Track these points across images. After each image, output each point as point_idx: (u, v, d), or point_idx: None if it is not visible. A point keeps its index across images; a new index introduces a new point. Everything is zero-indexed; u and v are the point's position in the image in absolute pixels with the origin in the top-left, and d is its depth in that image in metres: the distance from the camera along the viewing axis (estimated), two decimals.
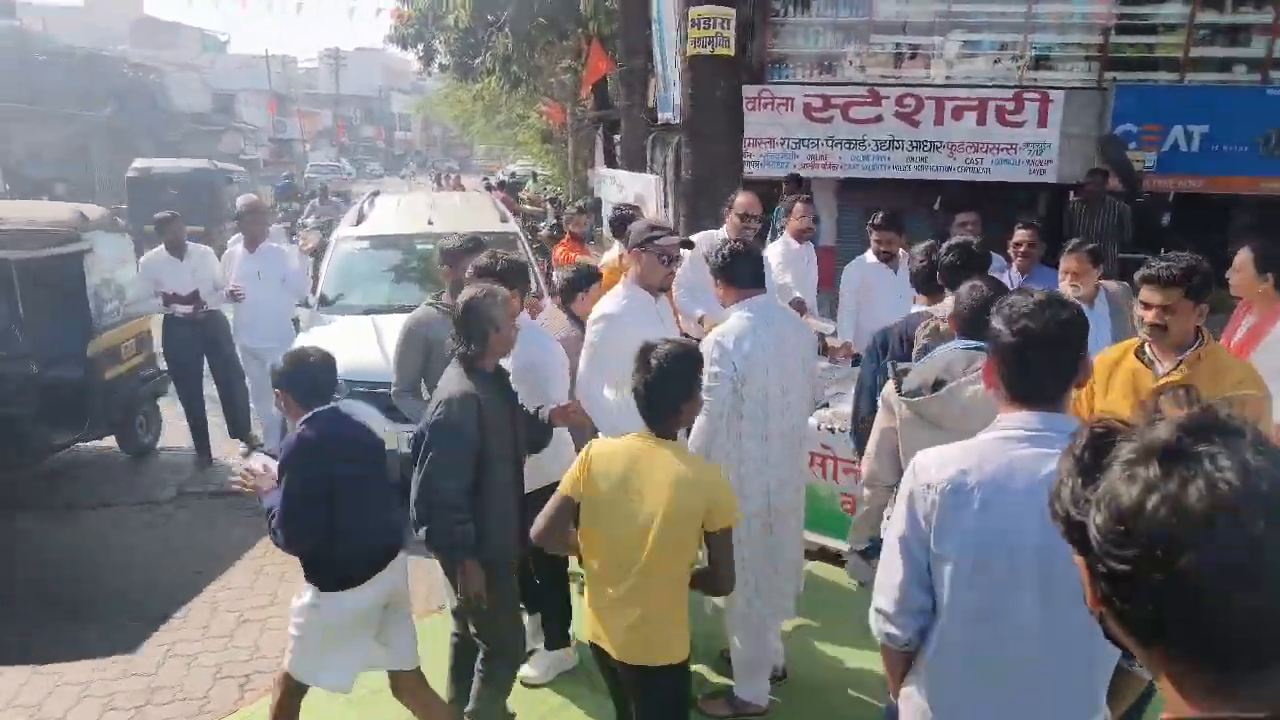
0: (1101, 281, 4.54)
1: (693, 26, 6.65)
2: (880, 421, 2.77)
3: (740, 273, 3.26)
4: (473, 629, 3.12)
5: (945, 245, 3.35)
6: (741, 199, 4.84)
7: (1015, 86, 10.01)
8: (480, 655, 3.13)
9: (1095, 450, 0.93)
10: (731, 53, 6.60)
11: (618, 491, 2.47)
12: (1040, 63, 10.36)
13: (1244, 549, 0.81)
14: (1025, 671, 1.77)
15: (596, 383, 3.52)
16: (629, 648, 2.50)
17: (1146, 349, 2.91)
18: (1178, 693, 0.89)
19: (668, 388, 2.51)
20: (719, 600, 3.39)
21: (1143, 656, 0.92)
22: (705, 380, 3.07)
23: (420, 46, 19.96)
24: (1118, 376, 2.93)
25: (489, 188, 21.98)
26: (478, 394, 2.91)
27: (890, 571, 1.87)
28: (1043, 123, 9.89)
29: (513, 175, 29.70)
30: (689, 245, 3.84)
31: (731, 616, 3.41)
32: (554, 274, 7.05)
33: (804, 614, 3.99)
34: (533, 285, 7.21)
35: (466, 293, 3.02)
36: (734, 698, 3.48)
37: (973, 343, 2.56)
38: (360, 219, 7.79)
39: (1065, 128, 9.77)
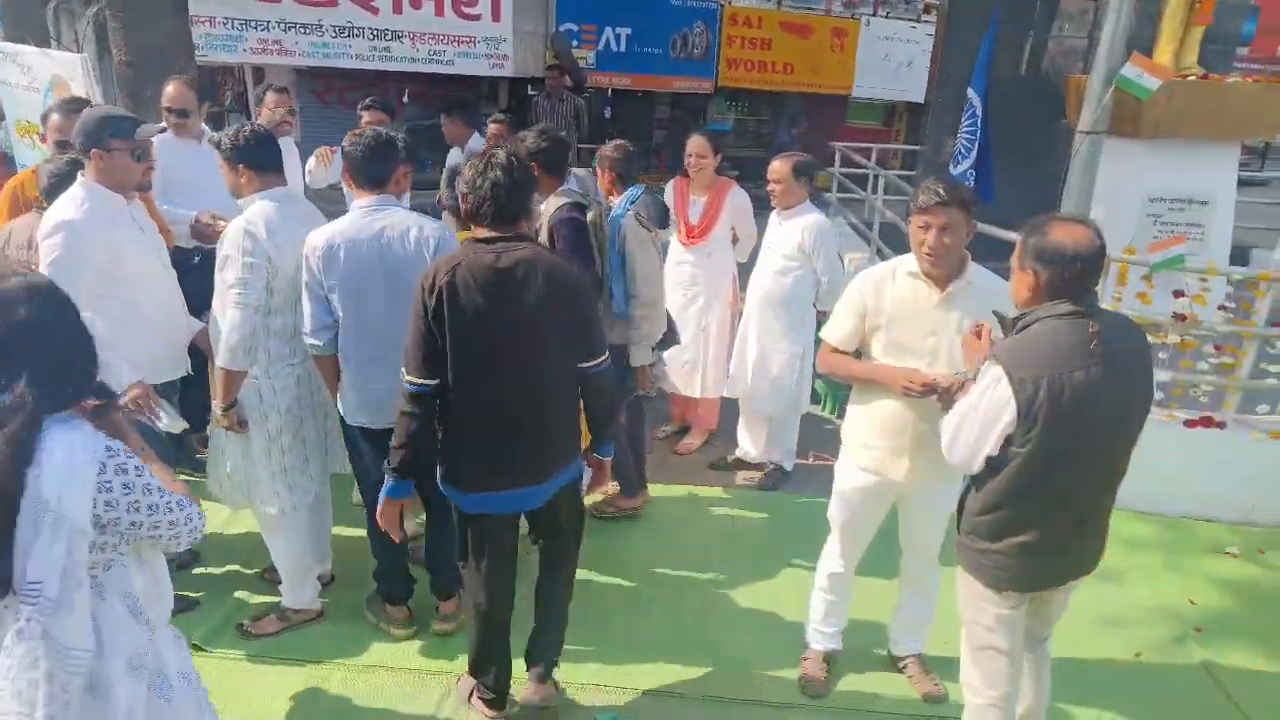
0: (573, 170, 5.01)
1: None
2: None
3: (264, 158, 3.04)
4: None
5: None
6: (169, 88, 4.31)
7: None
8: None
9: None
10: None
11: None
12: None
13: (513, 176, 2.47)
14: (381, 341, 2.89)
15: None
16: None
17: None
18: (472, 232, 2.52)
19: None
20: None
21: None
22: (238, 272, 2.87)
23: None
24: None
25: None
26: None
27: (306, 308, 2.88)
28: (496, 17, 10.29)
29: None
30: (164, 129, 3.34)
31: (267, 524, 3.21)
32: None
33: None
34: None
35: None
36: (283, 610, 3.33)
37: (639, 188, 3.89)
38: None
39: (517, 23, 10.31)
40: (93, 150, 2.94)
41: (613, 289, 3.70)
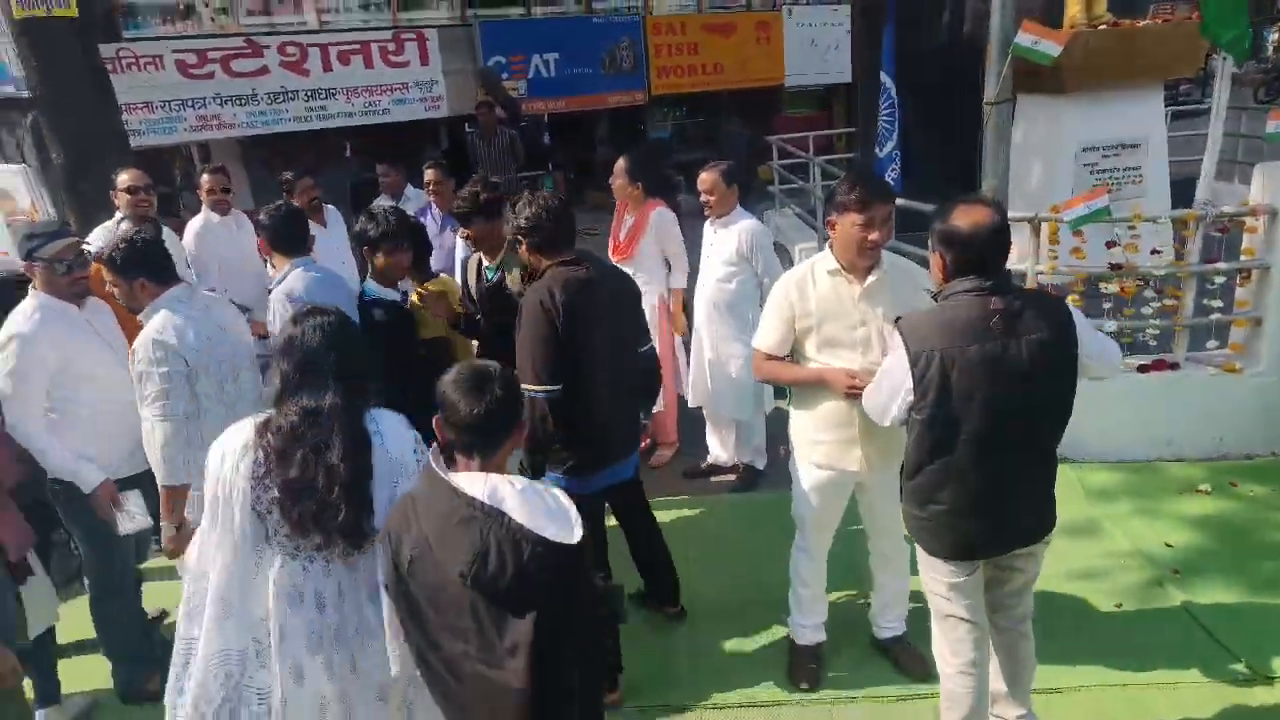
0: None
1: None
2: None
3: (160, 262, 2.91)
4: None
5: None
6: (123, 176, 4.48)
7: (391, 28, 10.27)
8: None
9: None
10: (74, 11, 5.56)
11: None
12: (409, 2, 10.75)
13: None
14: None
15: (35, 420, 2.93)
16: None
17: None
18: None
19: None
20: None
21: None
22: (156, 384, 2.76)
23: None
24: None
25: None
26: None
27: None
28: (425, 61, 10.37)
29: None
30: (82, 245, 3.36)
31: None
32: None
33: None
34: None
35: None
36: None
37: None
38: None
39: (446, 64, 10.39)
40: (24, 265, 3.04)
41: None
